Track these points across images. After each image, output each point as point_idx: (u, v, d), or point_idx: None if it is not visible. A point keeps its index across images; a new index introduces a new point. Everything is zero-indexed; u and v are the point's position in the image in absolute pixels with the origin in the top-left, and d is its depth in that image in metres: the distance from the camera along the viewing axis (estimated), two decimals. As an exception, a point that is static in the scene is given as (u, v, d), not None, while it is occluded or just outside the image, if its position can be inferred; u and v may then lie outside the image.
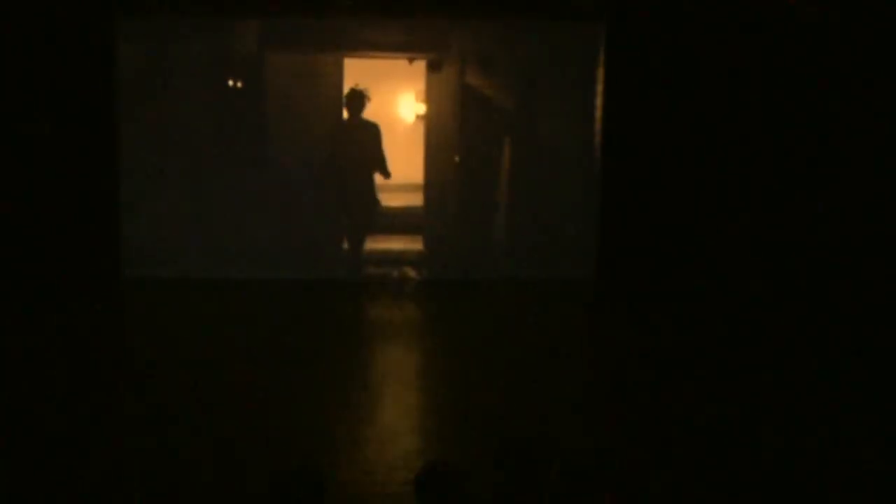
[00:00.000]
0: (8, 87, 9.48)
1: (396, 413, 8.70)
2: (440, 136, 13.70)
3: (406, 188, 14.67)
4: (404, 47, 13.36)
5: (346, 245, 13.27)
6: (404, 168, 14.34)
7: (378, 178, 13.16)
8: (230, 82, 13.04)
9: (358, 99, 12.94)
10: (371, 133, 12.99)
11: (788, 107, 10.06)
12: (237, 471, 7.07)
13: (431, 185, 13.77)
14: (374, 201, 13.14)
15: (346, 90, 13.19)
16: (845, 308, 9.81)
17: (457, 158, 13.62)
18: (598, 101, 12.95)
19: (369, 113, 13.27)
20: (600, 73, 12.76)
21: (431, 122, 13.83)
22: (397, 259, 13.47)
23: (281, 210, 12.83)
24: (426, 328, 11.28)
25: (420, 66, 13.76)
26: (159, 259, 11.37)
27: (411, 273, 13.22)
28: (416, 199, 14.16)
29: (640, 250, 10.02)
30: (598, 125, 10.81)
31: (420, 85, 14.32)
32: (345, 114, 13.03)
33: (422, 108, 14.25)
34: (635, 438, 7.76)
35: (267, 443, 7.59)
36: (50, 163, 9.35)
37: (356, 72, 13.62)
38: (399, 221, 14.19)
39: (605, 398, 8.84)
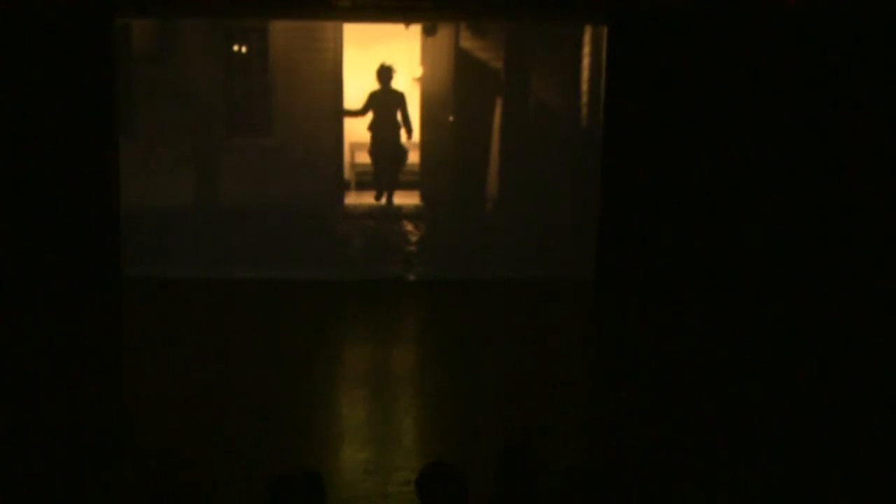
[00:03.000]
0: (7, 87, 9.31)
1: (396, 413, 8.65)
2: (435, 97, 14.49)
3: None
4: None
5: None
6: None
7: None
8: (234, 48, 13.98)
9: (386, 72, 14.29)
10: (397, 98, 14.36)
11: (789, 105, 9.64)
12: (237, 471, 7.08)
13: (427, 143, 14.59)
14: (403, 152, 14.58)
15: (345, 54, 14.15)
16: (847, 307, 9.72)
17: (451, 118, 14.43)
18: (586, 62, 13.64)
19: (363, 77, 14.42)
20: (587, 37, 13.46)
21: (427, 84, 14.61)
22: (396, 213, 14.24)
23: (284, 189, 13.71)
24: (426, 328, 11.19)
25: (416, 29, 14.45)
26: (159, 259, 11.63)
27: (409, 227, 14.00)
28: (413, 157, 14.89)
29: (641, 250, 9.91)
30: (600, 122, 10.81)
31: (416, 48, 14.95)
32: (377, 84, 14.30)
33: (418, 71, 14.92)
34: (635, 439, 7.78)
35: (267, 443, 7.58)
36: (49, 162, 9.18)
37: (355, 35, 14.36)
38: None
39: (604, 398, 8.80)
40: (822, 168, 9.76)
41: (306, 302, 11.20)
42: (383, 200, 14.41)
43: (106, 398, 8.48)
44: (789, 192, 9.76)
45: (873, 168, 9.65)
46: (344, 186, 14.72)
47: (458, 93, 14.30)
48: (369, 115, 14.26)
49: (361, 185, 15.03)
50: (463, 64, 14.19)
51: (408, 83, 15.09)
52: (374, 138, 14.33)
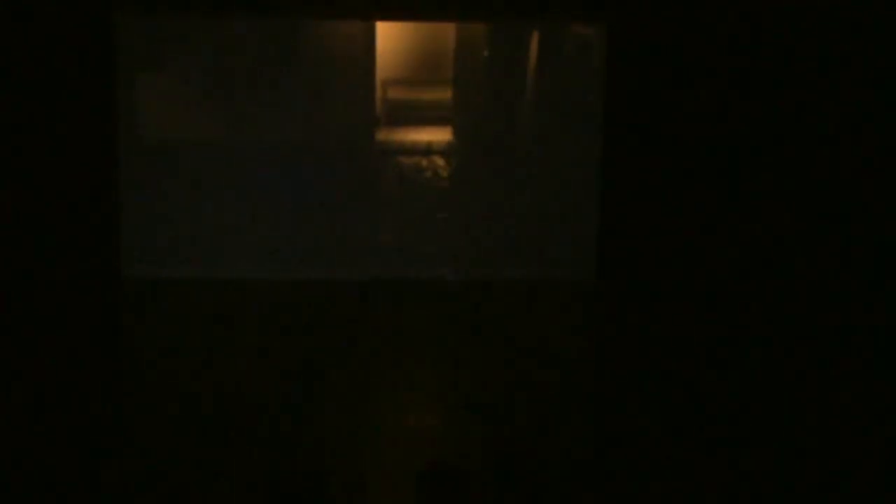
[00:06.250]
0: (4, 85, 9.54)
1: (398, 413, 8.85)
2: (469, 31, 14.23)
3: (436, 82, 15.26)
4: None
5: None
6: (436, 63, 15.01)
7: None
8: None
9: None
10: None
11: (793, 105, 9.76)
12: (239, 471, 7.38)
13: (461, 78, 14.42)
14: None
15: None
16: (850, 309, 9.49)
17: (486, 52, 14.21)
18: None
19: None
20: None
21: (462, 19, 14.37)
22: (427, 149, 14.18)
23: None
24: (427, 328, 11.03)
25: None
26: (159, 258, 11.58)
27: (440, 163, 13.96)
28: (446, 93, 14.77)
29: (641, 250, 9.96)
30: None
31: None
32: None
33: (453, 4, 14.62)
34: (636, 440, 7.95)
35: (268, 442, 7.88)
36: (48, 161, 9.01)
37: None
38: (430, 114, 14.86)
39: (604, 400, 8.77)
40: (827, 167, 9.59)
41: (307, 302, 11.13)
42: None
43: (105, 399, 8.54)
44: (798, 194, 9.62)
45: (879, 169, 9.47)
46: (375, 122, 14.65)
47: (493, 26, 14.03)
48: None
49: (393, 121, 14.98)
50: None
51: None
52: None
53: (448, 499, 5.03)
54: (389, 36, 14.19)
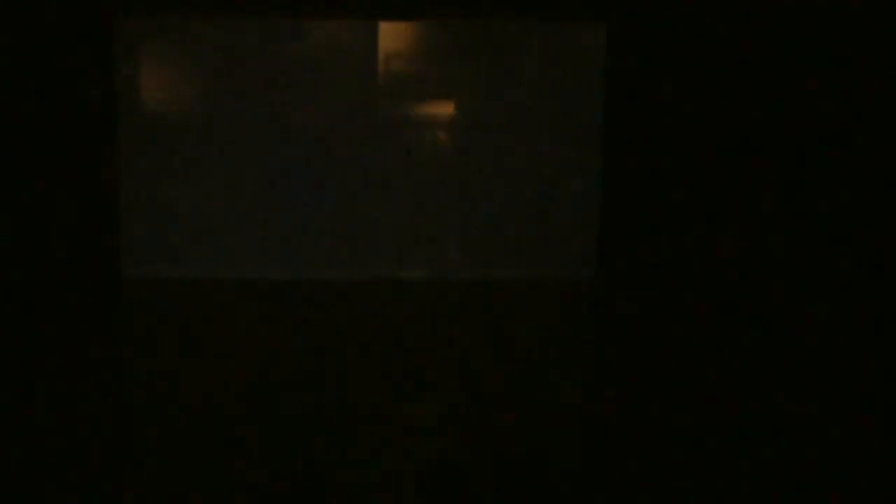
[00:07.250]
0: (4, 85, 9.43)
1: (398, 413, 8.90)
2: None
3: (439, 54, 15.13)
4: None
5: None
6: (438, 35, 14.85)
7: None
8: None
9: None
10: None
11: (793, 105, 9.73)
12: (239, 471, 7.46)
13: (463, 53, 14.30)
14: None
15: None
16: (851, 309, 9.76)
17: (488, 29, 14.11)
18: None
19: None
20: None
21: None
22: (430, 122, 14.09)
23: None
24: (428, 329, 11.19)
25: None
26: (160, 258, 11.73)
27: (442, 136, 13.90)
28: (449, 67, 14.62)
29: (642, 250, 9.94)
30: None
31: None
32: None
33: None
34: (636, 440, 7.83)
35: (268, 442, 8.00)
36: (48, 161, 9.33)
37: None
38: (432, 87, 14.71)
39: (605, 400, 8.84)
40: (828, 167, 9.53)
41: (307, 302, 11.20)
42: None
43: (106, 399, 8.70)
44: (798, 193, 9.57)
45: (880, 168, 9.41)
46: (378, 95, 14.55)
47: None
48: None
49: (396, 95, 14.85)
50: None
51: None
52: None
53: (449, 498, 5.05)
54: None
